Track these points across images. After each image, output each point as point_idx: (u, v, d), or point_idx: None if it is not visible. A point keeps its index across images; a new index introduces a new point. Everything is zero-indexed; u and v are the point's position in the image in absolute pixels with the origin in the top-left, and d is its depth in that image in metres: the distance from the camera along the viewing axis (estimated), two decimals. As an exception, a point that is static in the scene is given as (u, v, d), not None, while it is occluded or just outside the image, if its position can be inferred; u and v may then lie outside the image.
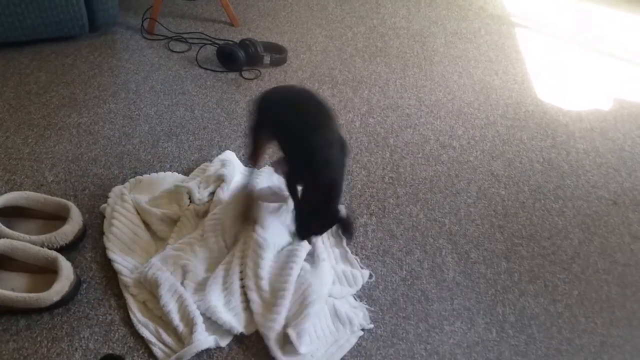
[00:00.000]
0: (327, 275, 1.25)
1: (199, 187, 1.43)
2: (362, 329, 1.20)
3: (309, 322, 1.15)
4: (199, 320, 1.13)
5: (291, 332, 1.12)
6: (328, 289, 1.23)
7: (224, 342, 1.14)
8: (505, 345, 1.21)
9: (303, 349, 1.12)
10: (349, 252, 1.37)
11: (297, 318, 1.15)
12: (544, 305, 1.31)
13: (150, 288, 1.19)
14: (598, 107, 2.07)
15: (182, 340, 1.12)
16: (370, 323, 1.22)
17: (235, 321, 1.16)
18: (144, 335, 1.13)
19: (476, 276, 1.36)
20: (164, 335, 1.13)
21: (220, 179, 1.45)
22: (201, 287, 1.21)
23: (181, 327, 1.13)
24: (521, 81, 2.16)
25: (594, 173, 1.74)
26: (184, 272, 1.23)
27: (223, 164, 1.51)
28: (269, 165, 1.53)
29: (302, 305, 1.18)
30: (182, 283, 1.21)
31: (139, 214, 1.36)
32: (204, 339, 1.11)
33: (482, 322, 1.25)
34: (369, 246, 1.40)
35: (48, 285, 1.14)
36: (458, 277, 1.35)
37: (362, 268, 1.33)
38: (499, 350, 1.20)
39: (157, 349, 1.11)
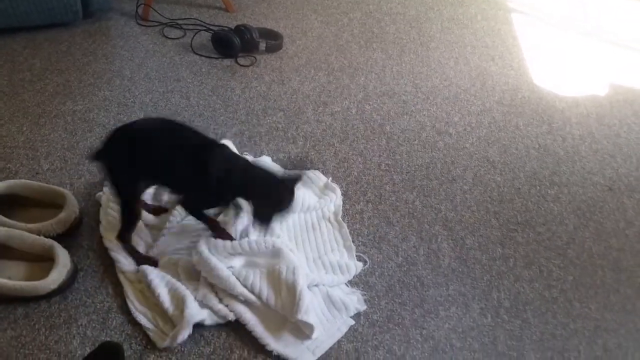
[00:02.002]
0: (290, 255, 1.25)
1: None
2: (358, 314, 1.21)
3: (308, 300, 1.15)
4: (189, 298, 1.14)
5: (299, 319, 1.12)
6: (300, 265, 1.23)
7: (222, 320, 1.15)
8: (500, 330, 1.22)
9: (315, 333, 1.13)
10: (350, 239, 1.37)
11: (293, 306, 1.15)
12: (538, 290, 1.32)
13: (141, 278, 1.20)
14: (594, 93, 2.07)
15: (176, 324, 1.12)
16: (365, 305, 1.22)
17: (227, 310, 1.16)
18: (141, 322, 1.13)
19: (471, 262, 1.37)
20: (161, 323, 1.13)
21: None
22: (195, 276, 1.22)
23: (171, 310, 1.13)
24: (517, 67, 2.16)
25: (589, 159, 1.74)
26: (177, 265, 1.24)
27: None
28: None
29: (290, 290, 1.17)
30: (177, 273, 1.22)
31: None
32: (196, 312, 1.11)
33: (477, 307, 1.26)
34: (365, 233, 1.41)
35: (45, 273, 1.14)
36: (453, 263, 1.36)
37: (359, 257, 1.34)
38: (494, 335, 1.21)
39: (155, 335, 1.12)
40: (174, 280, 1.18)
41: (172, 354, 1.10)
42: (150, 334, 1.12)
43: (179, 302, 1.14)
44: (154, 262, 1.24)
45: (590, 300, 1.32)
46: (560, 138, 1.81)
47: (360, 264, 1.31)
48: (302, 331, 1.14)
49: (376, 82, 1.98)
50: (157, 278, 1.18)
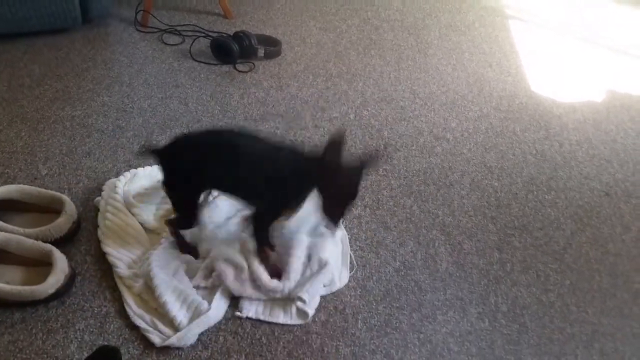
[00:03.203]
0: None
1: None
2: (355, 319, 1.21)
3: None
4: (204, 304, 1.16)
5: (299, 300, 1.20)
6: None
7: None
8: (498, 335, 1.22)
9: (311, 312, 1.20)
10: (348, 246, 1.37)
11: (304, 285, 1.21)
12: (536, 295, 1.32)
13: (145, 279, 1.20)
14: (591, 99, 2.08)
15: (179, 330, 1.12)
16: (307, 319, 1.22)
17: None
18: (139, 325, 1.13)
19: (469, 267, 1.37)
20: (161, 326, 1.13)
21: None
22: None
23: (180, 317, 1.13)
24: (515, 73, 2.17)
25: (586, 164, 1.75)
26: (184, 265, 1.24)
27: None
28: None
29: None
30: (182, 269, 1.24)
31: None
32: (219, 311, 1.17)
33: (474, 311, 1.26)
34: (363, 237, 1.41)
35: (43, 278, 1.14)
36: (451, 267, 1.36)
37: (355, 264, 1.33)
38: (491, 339, 1.21)
39: (154, 336, 1.11)
40: (181, 287, 1.18)
41: (169, 358, 1.10)
42: (150, 335, 1.11)
43: (190, 307, 1.15)
44: (195, 253, 1.26)
45: (587, 304, 1.32)
46: (558, 144, 1.82)
47: (345, 277, 1.30)
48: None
49: (374, 88, 1.99)
50: (163, 284, 1.17)
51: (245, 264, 1.20)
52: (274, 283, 1.19)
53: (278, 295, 1.21)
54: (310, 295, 1.21)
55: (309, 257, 1.27)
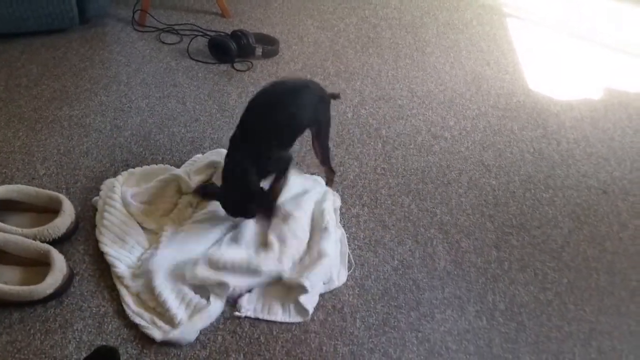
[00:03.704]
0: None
1: (189, 176, 1.43)
2: (354, 318, 1.21)
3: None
4: (203, 301, 1.17)
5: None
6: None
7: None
8: (496, 333, 1.23)
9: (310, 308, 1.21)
10: (347, 244, 1.37)
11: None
12: (533, 293, 1.33)
13: (144, 279, 1.20)
14: (588, 97, 2.09)
15: (178, 327, 1.13)
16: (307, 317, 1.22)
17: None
18: (138, 323, 1.13)
19: (467, 265, 1.37)
20: (160, 323, 1.13)
21: (212, 166, 1.46)
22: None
23: (180, 315, 1.14)
24: (512, 71, 2.17)
25: (584, 162, 1.75)
26: (181, 263, 1.24)
27: (214, 154, 1.52)
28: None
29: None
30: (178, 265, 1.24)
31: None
32: (218, 306, 1.17)
33: (472, 310, 1.27)
34: (361, 236, 1.41)
35: (41, 278, 1.14)
36: (449, 266, 1.36)
37: (353, 263, 1.34)
38: (489, 338, 1.21)
39: (154, 331, 1.12)
40: (180, 285, 1.19)
41: (167, 357, 1.10)
42: (150, 332, 1.12)
43: (189, 305, 1.16)
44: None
45: (584, 303, 1.32)
46: (555, 142, 1.82)
47: (343, 276, 1.30)
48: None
49: (372, 87, 1.99)
50: (162, 283, 1.18)
51: (225, 278, 1.19)
52: (268, 265, 1.22)
53: (274, 274, 1.23)
54: (312, 284, 1.21)
55: (309, 247, 1.29)
